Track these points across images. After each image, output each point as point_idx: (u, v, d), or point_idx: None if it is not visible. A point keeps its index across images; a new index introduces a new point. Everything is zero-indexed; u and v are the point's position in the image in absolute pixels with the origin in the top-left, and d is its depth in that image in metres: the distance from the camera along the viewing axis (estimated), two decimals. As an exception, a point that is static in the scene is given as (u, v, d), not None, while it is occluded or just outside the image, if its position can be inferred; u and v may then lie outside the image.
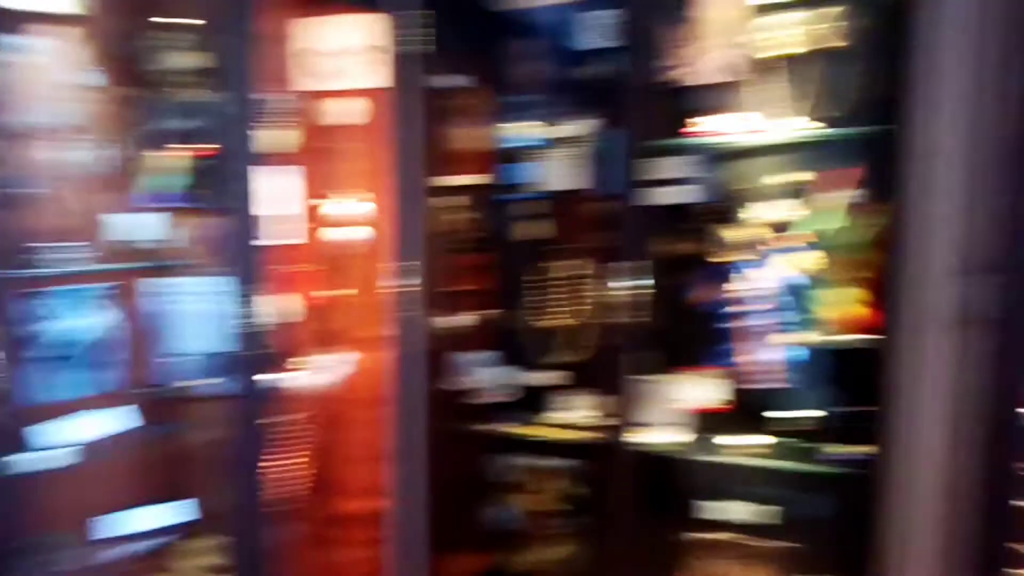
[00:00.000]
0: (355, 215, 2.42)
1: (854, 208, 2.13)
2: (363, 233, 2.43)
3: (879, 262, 2.02)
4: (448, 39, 2.28)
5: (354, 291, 2.46)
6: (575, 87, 2.42)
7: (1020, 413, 1.63)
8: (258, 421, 2.10)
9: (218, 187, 2.09)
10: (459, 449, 2.50)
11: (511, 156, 2.55)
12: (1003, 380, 1.66)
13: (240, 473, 2.09)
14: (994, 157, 1.64)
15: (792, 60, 2.19)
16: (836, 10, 2.12)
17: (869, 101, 2.06)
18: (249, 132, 2.01)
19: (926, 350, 1.77)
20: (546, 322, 2.52)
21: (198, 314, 2.24)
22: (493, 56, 2.52)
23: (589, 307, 2.44)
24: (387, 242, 2.27)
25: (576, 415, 2.48)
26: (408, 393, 2.30)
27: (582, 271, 2.46)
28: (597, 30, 2.27)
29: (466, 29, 2.45)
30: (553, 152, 2.47)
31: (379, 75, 2.21)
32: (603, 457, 2.22)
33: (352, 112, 2.43)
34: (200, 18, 2.18)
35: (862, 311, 2.11)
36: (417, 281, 2.27)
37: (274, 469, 2.18)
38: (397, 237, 2.25)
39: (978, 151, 1.69)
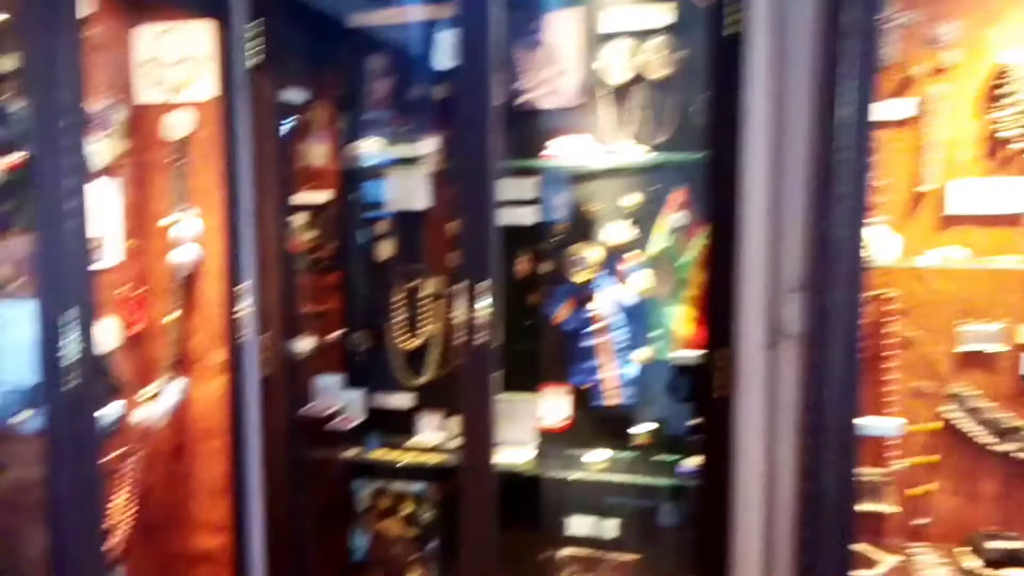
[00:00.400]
0: (190, 234, 2.27)
1: (691, 229, 2.22)
2: (199, 253, 2.28)
3: (715, 281, 2.11)
4: (294, 53, 2.20)
5: (189, 314, 2.31)
6: (429, 106, 2.40)
7: (850, 420, 1.72)
8: (86, 458, 1.91)
9: (33, 202, 1.89)
10: (310, 476, 2.40)
11: (363, 174, 2.48)
12: (826, 391, 1.75)
13: (67, 516, 1.89)
14: (804, 183, 1.75)
15: (637, 86, 2.26)
16: (663, 40, 2.21)
17: (708, 127, 2.15)
18: (67, 143, 1.83)
19: (751, 364, 1.85)
20: (401, 343, 2.47)
21: (11, 343, 2.02)
22: (345, 72, 2.46)
23: (444, 327, 2.41)
24: (226, 262, 2.15)
25: (432, 437, 2.44)
26: (246, 421, 2.18)
27: (436, 291, 2.43)
28: (446, 50, 2.25)
29: (315, 43, 2.37)
30: (406, 171, 2.43)
31: (217, 87, 2.09)
32: (461, 478, 2.19)
33: (187, 124, 2.28)
34: (6, 11, 1.97)
35: (696, 327, 2.20)
36: (256, 302, 2.16)
37: (107, 509, 1.99)
38: (232, 255, 2.13)
39: (790, 177, 1.79)
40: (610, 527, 2.36)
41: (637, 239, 2.29)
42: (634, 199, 2.29)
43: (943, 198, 2.02)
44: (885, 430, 2.02)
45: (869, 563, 2.00)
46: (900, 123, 2.02)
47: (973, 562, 1.98)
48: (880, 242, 1.96)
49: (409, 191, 2.42)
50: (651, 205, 2.27)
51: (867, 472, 2.09)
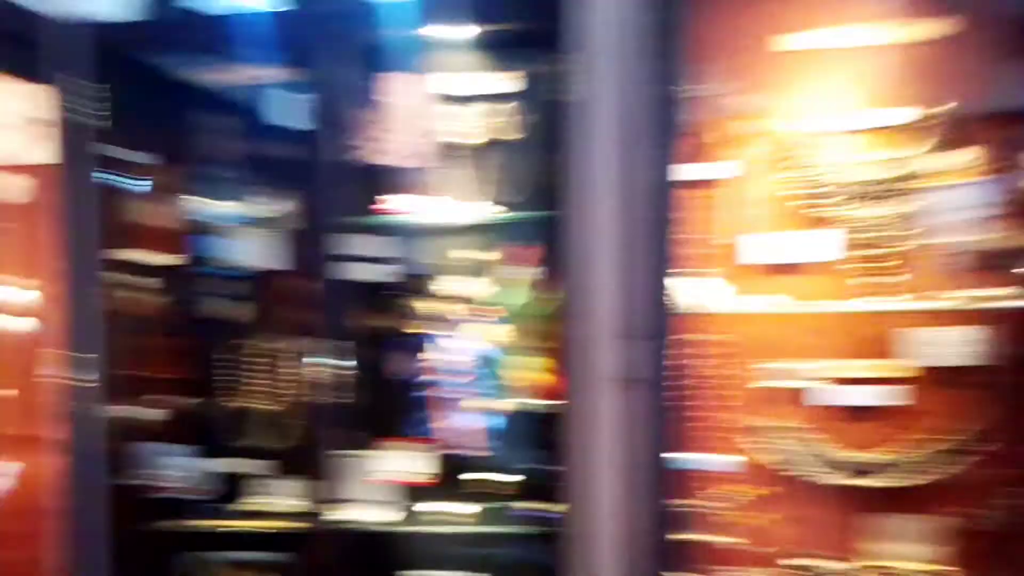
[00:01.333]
0: (15, 302, 2.17)
1: (536, 283, 2.34)
2: (25, 323, 2.18)
3: (559, 332, 2.23)
4: (130, 111, 2.17)
5: (13, 390, 2.19)
6: (271, 164, 2.42)
7: (674, 458, 1.86)
8: None
9: None
10: (150, 552, 2.29)
11: (206, 233, 2.46)
12: (665, 432, 1.88)
13: None
14: (642, 237, 1.90)
15: (476, 148, 2.39)
16: (510, 105, 2.36)
17: (543, 187, 2.29)
18: None
19: (596, 409, 1.97)
20: (246, 406, 2.43)
21: None
22: (185, 130, 2.44)
23: (290, 388, 2.39)
24: (55, 331, 2.06)
25: (280, 502, 2.39)
26: (83, 498, 2.08)
27: (282, 351, 2.41)
28: (291, 109, 2.30)
29: (151, 102, 2.35)
30: (250, 230, 2.42)
31: (45, 149, 2.04)
32: (311, 544, 2.16)
33: (12, 189, 2.20)
34: None
35: (548, 377, 2.31)
36: (92, 371, 2.08)
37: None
38: (68, 324, 2.06)
39: (628, 233, 1.95)
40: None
41: (492, 294, 2.38)
42: (489, 255, 2.39)
43: (748, 249, 2.24)
44: (711, 465, 2.17)
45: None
46: (713, 183, 2.24)
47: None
48: (705, 291, 2.15)
49: (263, 251, 2.41)
50: (506, 261, 2.38)
51: (695, 504, 2.24)
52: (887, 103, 2.17)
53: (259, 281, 2.44)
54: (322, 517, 2.15)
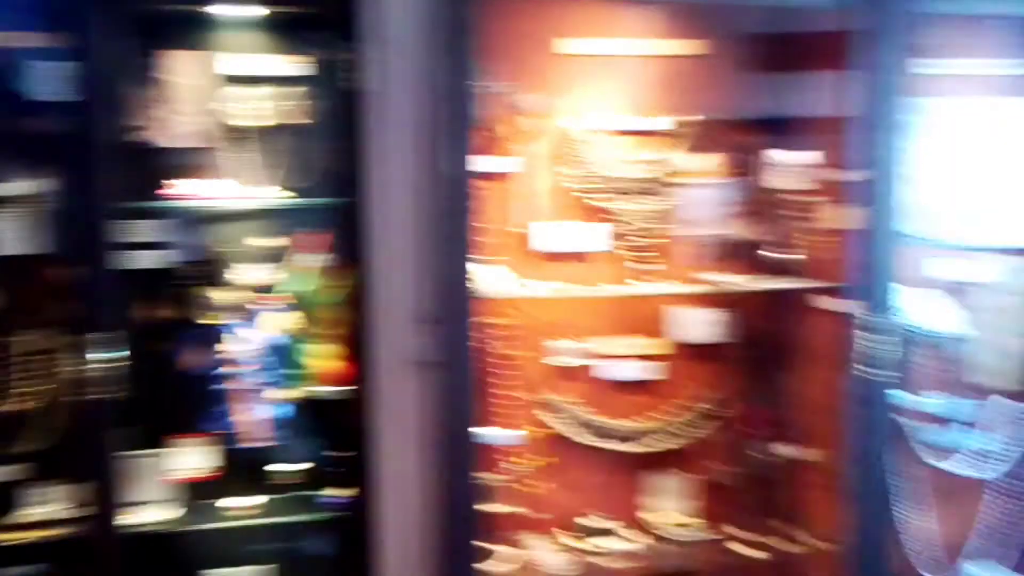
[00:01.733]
0: None
1: (327, 270, 2.34)
2: None
3: (351, 318, 2.25)
4: None
5: None
6: (26, 141, 2.18)
7: (474, 433, 1.96)
8: None
9: None
10: None
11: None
12: (459, 410, 1.97)
13: None
14: (437, 225, 1.98)
15: (263, 132, 2.33)
16: (300, 90, 2.33)
17: (332, 174, 2.29)
18: None
19: (392, 393, 2.03)
20: (4, 407, 2.18)
21: None
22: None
23: (57, 385, 2.18)
24: None
25: (49, 509, 2.18)
26: None
27: (47, 345, 2.20)
28: (54, 81, 2.09)
29: None
30: (9, 212, 2.17)
31: None
32: (87, 551, 2.01)
33: None
34: None
35: (341, 364, 2.32)
36: None
37: None
38: None
39: (421, 221, 2.02)
40: (267, 572, 2.34)
41: (278, 280, 2.34)
42: (275, 241, 2.34)
43: (536, 238, 2.41)
44: (505, 439, 2.31)
45: (494, 557, 2.27)
46: (503, 176, 2.37)
47: (577, 542, 2.36)
48: (496, 277, 2.27)
49: (13, 234, 2.17)
50: (296, 248, 2.34)
51: (492, 477, 2.38)
52: (649, 110, 2.42)
53: (20, 268, 2.19)
54: (97, 522, 2.00)
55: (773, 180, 2.44)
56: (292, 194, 2.32)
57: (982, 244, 2.36)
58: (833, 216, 2.29)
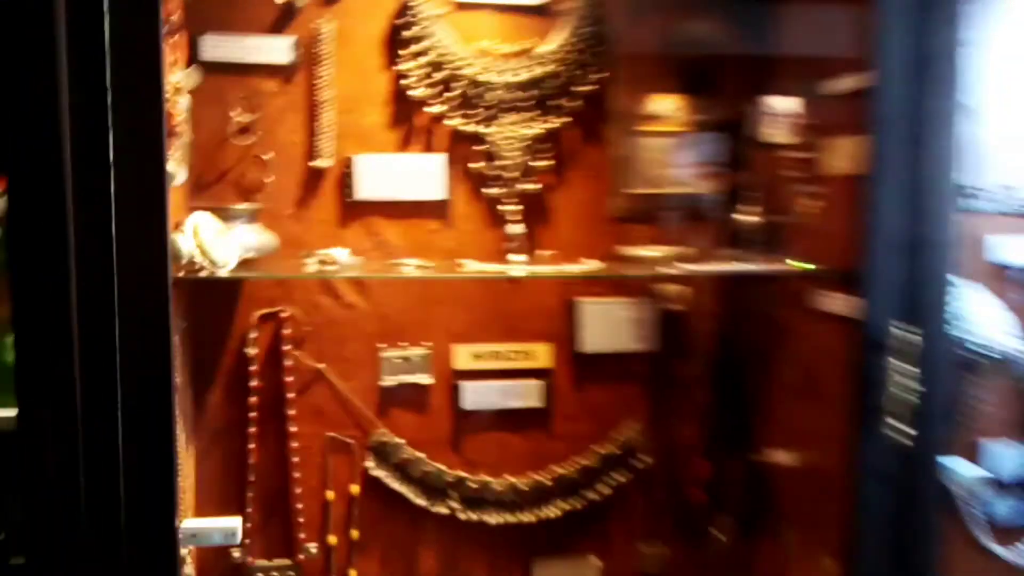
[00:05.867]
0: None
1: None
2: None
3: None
4: None
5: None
6: None
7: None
8: None
9: None
10: None
11: None
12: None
13: None
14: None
15: None
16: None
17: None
18: None
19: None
20: None
21: None
22: None
23: None
24: None
25: None
26: None
27: None
28: None
29: None
30: None
31: None
32: None
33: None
34: None
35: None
36: None
37: None
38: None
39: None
40: None
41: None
42: None
43: (349, 179, 1.44)
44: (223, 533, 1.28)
45: None
46: (283, 70, 1.40)
47: None
48: (254, 240, 1.32)
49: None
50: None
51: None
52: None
53: None
54: None
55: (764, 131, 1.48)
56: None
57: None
58: (845, 153, 1.35)
